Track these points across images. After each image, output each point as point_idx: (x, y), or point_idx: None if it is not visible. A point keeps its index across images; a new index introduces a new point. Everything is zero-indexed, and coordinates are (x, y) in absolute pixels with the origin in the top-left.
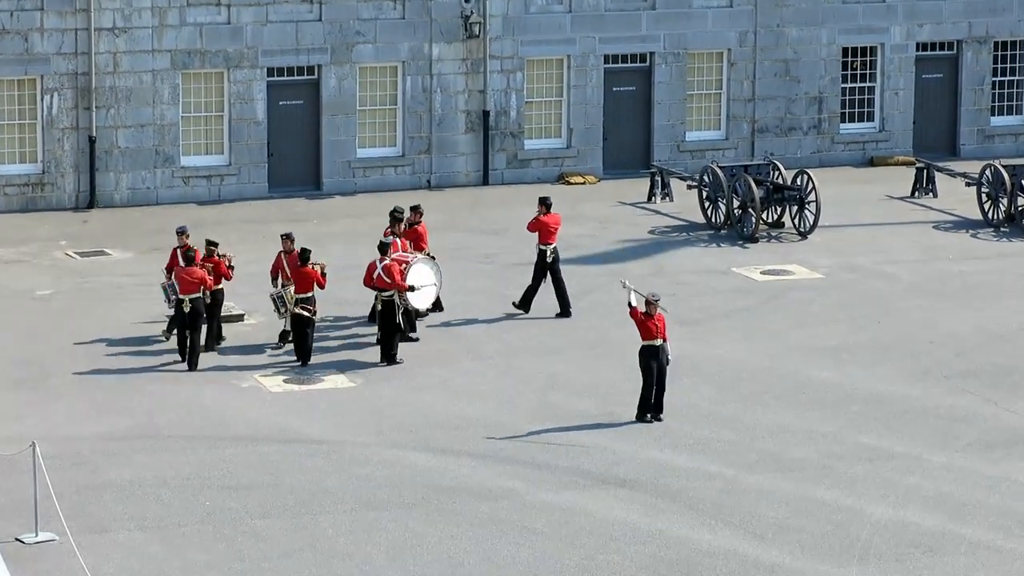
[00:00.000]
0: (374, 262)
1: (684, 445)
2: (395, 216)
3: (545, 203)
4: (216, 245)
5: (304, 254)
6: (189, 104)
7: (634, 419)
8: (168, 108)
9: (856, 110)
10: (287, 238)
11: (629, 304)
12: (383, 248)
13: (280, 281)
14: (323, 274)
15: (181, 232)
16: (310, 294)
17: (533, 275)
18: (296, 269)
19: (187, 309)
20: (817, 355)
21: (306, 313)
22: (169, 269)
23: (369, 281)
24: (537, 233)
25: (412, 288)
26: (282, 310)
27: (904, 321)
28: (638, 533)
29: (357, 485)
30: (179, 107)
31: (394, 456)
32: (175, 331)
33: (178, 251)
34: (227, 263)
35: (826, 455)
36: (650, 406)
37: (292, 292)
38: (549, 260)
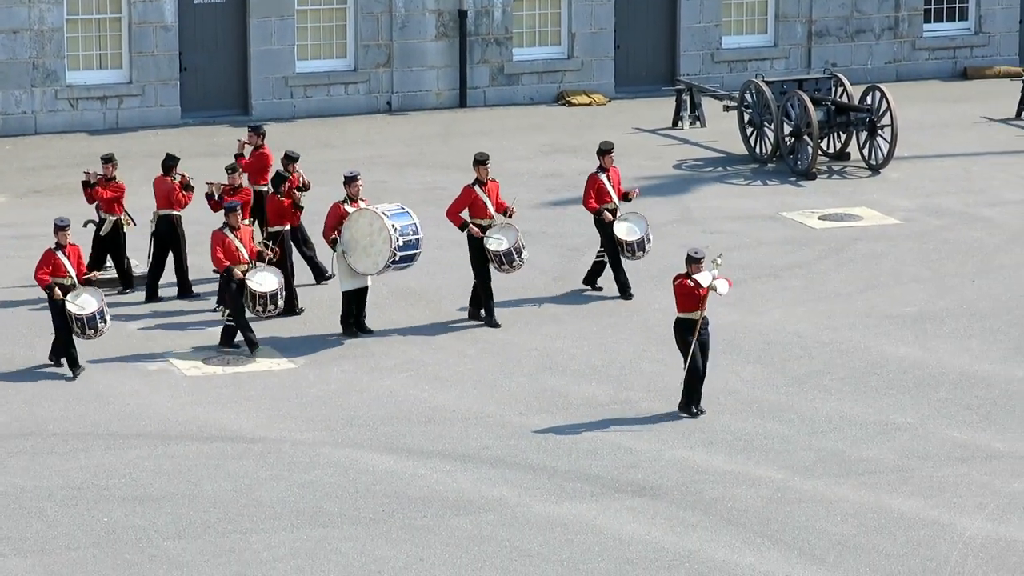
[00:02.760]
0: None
1: (721, 442)
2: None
3: (259, 132)
4: (293, 161)
5: (278, 179)
6: (76, 3)
7: (677, 409)
8: (48, 8)
9: (944, 6)
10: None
11: (688, 276)
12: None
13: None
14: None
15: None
16: (284, 228)
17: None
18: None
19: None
20: (892, 325)
21: (270, 253)
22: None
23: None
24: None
25: (334, 244)
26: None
27: (1006, 281)
28: (662, 555)
29: (299, 495)
30: (63, 7)
31: (347, 458)
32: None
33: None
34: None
35: (905, 454)
36: (697, 393)
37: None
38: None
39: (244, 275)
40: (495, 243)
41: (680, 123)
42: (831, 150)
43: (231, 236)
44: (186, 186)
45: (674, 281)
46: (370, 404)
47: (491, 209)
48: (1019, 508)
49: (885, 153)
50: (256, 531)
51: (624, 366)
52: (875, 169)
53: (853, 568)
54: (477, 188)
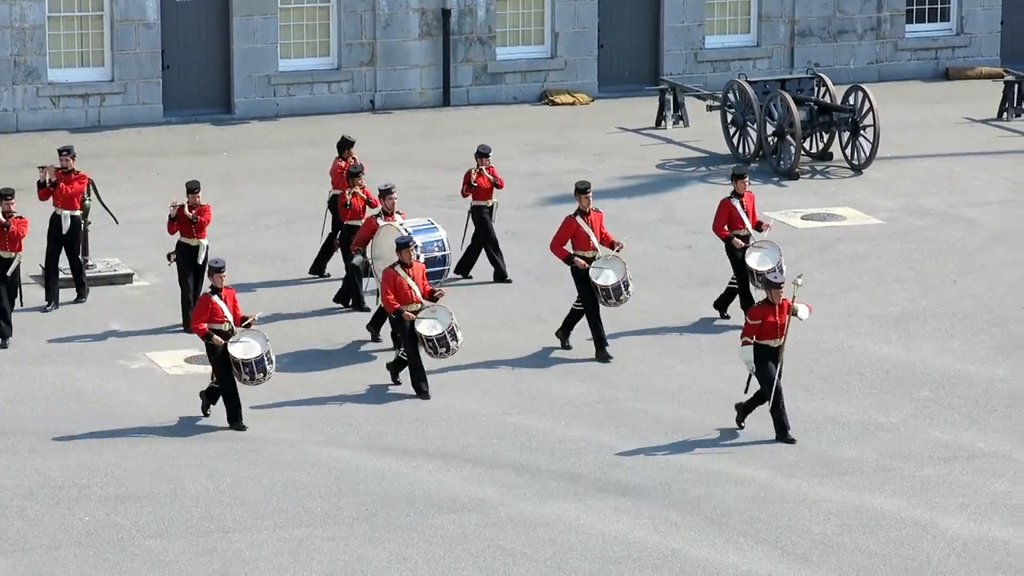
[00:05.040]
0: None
1: (704, 442)
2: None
3: (72, 153)
4: None
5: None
6: (58, 0)
7: (736, 424)
8: (30, 5)
9: (927, 7)
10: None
11: (768, 303)
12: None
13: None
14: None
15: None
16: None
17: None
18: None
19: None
20: (875, 325)
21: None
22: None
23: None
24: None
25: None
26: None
27: (988, 281)
28: (646, 554)
29: (282, 495)
30: (44, 4)
31: (330, 457)
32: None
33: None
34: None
35: (887, 454)
36: (750, 411)
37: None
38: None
39: (415, 315)
40: (603, 277)
41: (663, 123)
42: (814, 150)
43: (402, 274)
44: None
45: (749, 310)
46: (354, 403)
47: (594, 240)
48: (1001, 507)
49: (867, 153)
50: (239, 530)
51: (608, 366)
52: (857, 169)
53: (836, 567)
54: (579, 219)
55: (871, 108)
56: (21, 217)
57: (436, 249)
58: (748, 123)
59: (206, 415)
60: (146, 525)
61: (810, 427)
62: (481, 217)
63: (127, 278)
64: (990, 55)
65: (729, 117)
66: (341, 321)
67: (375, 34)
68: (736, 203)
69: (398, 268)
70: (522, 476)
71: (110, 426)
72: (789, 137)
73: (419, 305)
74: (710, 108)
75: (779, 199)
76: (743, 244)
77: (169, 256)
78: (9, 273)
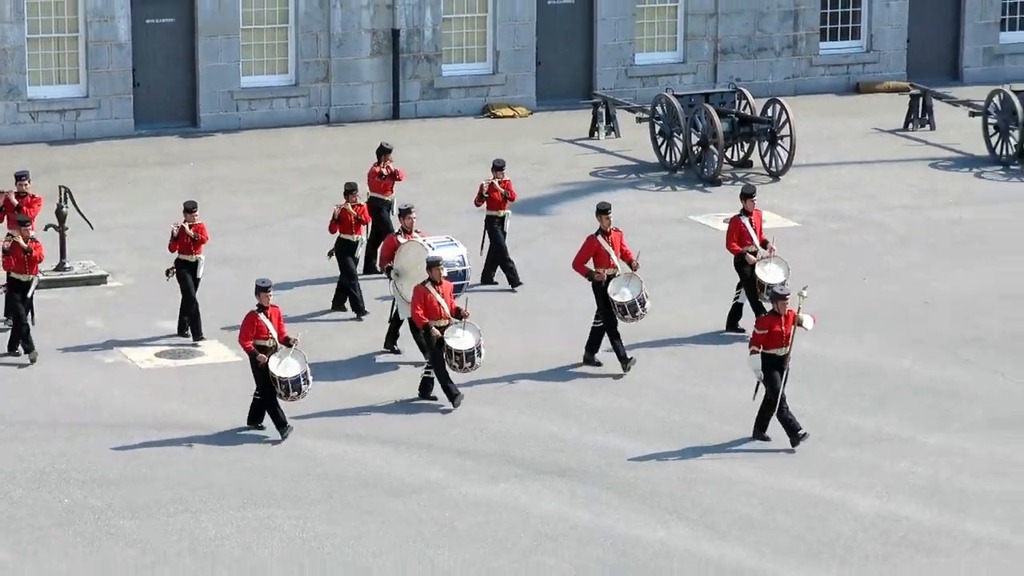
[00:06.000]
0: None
1: (637, 428)
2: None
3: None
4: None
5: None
6: (36, 23)
7: (751, 436)
8: (10, 27)
9: (839, 26)
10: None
11: (774, 315)
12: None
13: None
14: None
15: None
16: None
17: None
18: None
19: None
20: None
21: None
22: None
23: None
24: None
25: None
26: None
27: (895, 279)
28: (579, 531)
29: (246, 478)
30: (24, 26)
31: (292, 444)
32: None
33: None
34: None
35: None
36: (766, 423)
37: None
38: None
39: (442, 332)
40: (620, 295)
41: (596, 133)
42: (735, 158)
43: (432, 291)
44: (380, 175)
45: (757, 320)
46: (314, 394)
47: (614, 259)
48: (904, 486)
49: (784, 161)
50: (206, 511)
51: (548, 359)
52: (775, 176)
53: (754, 543)
54: (600, 238)
55: (788, 120)
56: (36, 241)
57: (457, 264)
58: (675, 134)
59: (260, 427)
60: (120, 506)
61: (734, 416)
62: (492, 227)
63: (102, 279)
64: (897, 70)
65: (657, 128)
66: (309, 323)
67: (330, 53)
68: (746, 221)
69: (428, 285)
70: (467, 460)
71: (87, 417)
72: (712, 146)
73: (447, 321)
74: (639, 120)
75: (703, 204)
76: (755, 260)
77: (168, 272)
78: (30, 295)
